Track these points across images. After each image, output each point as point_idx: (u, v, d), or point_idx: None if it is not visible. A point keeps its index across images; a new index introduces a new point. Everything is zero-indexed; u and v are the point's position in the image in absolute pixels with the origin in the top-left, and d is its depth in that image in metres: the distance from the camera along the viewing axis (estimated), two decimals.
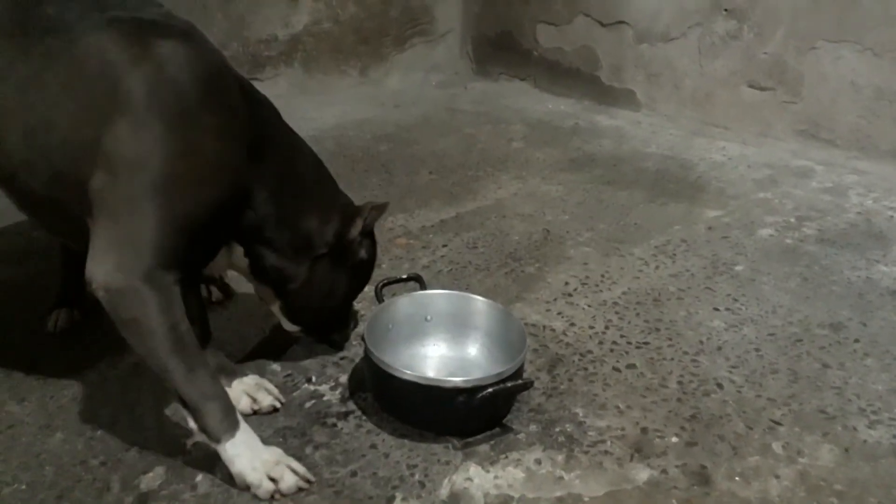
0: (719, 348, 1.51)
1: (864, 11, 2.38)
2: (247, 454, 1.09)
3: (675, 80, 2.93)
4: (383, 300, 1.46)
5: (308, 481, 1.12)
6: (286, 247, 1.26)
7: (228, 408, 1.10)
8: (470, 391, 1.19)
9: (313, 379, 1.39)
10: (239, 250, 1.26)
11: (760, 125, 2.72)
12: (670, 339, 1.54)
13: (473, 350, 1.44)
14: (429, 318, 1.45)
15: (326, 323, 1.43)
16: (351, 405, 1.32)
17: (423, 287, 1.53)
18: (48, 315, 1.54)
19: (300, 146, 1.31)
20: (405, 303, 1.45)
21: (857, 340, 1.53)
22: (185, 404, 1.08)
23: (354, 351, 1.47)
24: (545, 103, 3.20)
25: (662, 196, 2.25)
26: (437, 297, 1.47)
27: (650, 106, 3.03)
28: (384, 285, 1.51)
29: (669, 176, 2.41)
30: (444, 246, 1.95)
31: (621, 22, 3.02)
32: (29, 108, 1.08)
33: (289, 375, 1.40)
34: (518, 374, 1.26)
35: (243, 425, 1.10)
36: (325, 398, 1.34)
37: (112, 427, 1.26)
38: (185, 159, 1.08)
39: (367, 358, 1.28)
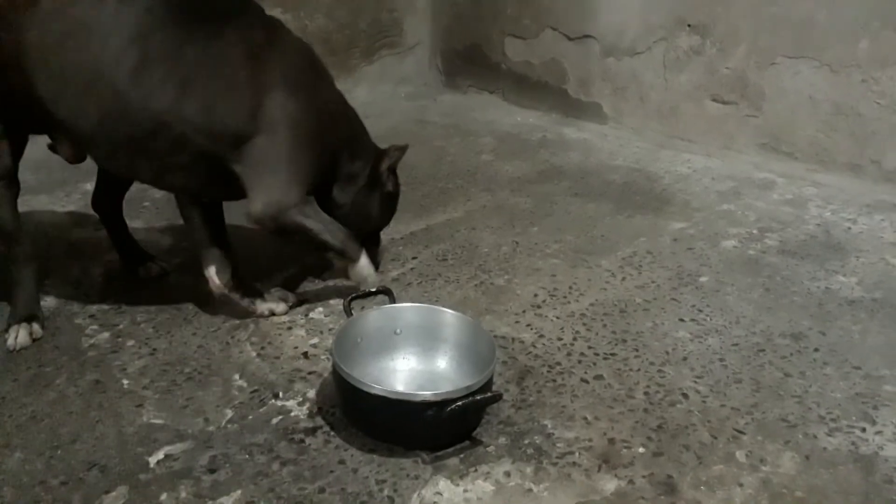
0: (685, 359, 1.53)
1: (821, 29, 2.45)
2: (370, 265, 1.63)
3: (641, 94, 2.98)
4: (352, 314, 1.45)
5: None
6: (342, 179, 1.66)
7: (357, 244, 1.60)
8: (439, 405, 1.19)
9: (280, 394, 1.37)
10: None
11: (724, 138, 2.78)
12: (637, 350, 1.56)
13: (443, 363, 1.44)
14: (398, 331, 1.45)
15: (370, 238, 1.79)
16: (319, 420, 1.31)
17: (393, 300, 1.53)
18: (6, 332, 1.51)
19: (344, 99, 1.69)
20: (374, 316, 1.45)
21: (816, 349, 1.57)
22: (336, 252, 1.56)
23: (323, 365, 1.46)
24: (514, 116, 3.22)
25: (629, 208, 2.28)
26: (406, 310, 1.47)
27: (617, 119, 3.08)
28: (353, 299, 1.51)
29: (636, 188, 2.45)
30: (414, 258, 1.95)
31: (588, 36, 3.07)
32: (199, 82, 1.38)
33: (255, 391, 1.39)
34: (487, 386, 1.27)
35: (363, 252, 1.61)
36: (292, 414, 1.32)
37: (73, 446, 1.23)
38: (319, 118, 1.52)
39: (336, 372, 1.27)
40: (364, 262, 1.61)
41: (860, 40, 2.38)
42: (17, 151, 1.50)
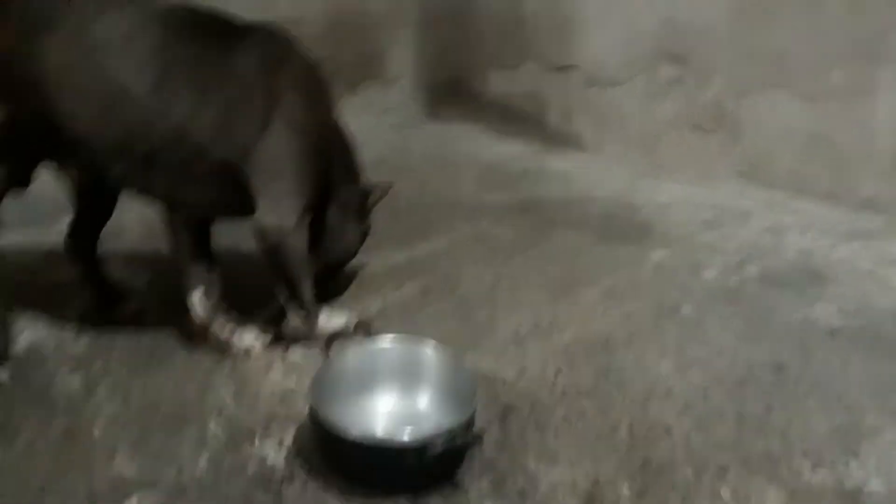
0: (668, 393, 1.52)
1: (796, 60, 2.49)
2: (330, 321, 1.61)
3: (622, 124, 3.01)
4: (330, 353, 1.43)
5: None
6: (337, 205, 1.71)
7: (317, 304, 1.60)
8: (419, 449, 1.17)
9: (257, 441, 1.34)
10: None
11: (704, 167, 2.80)
12: (620, 385, 1.54)
13: (424, 402, 1.42)
14: (378, 369, 1.43)
15: (334, 271, 1.84)
16: (296, 466, 1.28)
17: (372, 335, 1.51)
18: None
19: (348, 132, 1.76)
20: (353, 354, 1.43)
21: (798, 381, 1.56)
22: (298, 302, 1.56)
23: (300, 409, 1.43)
24: (496, 146, 3.23)
25: (610, 239, 2.28)
26: (385, 347, 1.46)
27: (598, 149, 3.09)
28: (331, 339, 1.49)
29: (617, 218, 2.45)
30: (395, 290, 1.93)
31: (569, 67, 3.10)
32: (216, 93, 1.44)
33: (231, 437, 1.35)
34: (469, 427, 1.25)
35: (322, 311, 1.61)
36: (269, 461, 1.29)
37: (41, 497, 1.19)
38: (321, 132, 1.58)
39: (313, 416, 1.24)
40: (323, 318, 1.61)
41: (833, 71, 2.42)
42: (8, 187, 1.49)
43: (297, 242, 1.52)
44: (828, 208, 2.46)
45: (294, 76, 1.55)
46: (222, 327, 1.61)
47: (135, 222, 2.31)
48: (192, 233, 1.63)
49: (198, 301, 1.61)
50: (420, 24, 3.67)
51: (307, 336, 1.61)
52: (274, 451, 1.32)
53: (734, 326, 1.78)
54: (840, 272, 2.06)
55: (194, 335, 1.63)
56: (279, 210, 1.49)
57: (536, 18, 3.16)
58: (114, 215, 1.75)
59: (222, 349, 1.61)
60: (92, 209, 1.70)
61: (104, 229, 1.76)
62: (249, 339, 1.62)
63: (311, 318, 1.59)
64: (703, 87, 2.74)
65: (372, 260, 2.08)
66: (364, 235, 1.84)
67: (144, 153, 1.43)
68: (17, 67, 1.38)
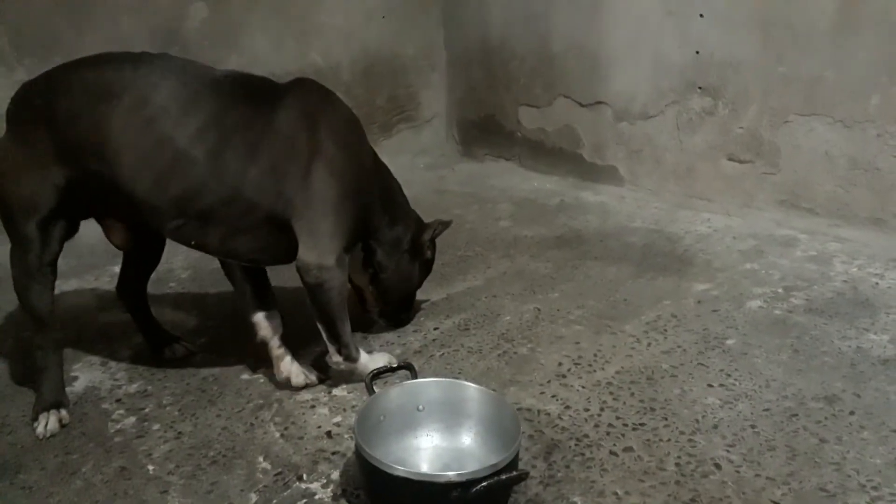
0: (715, 426, 1.49)
1: (830, 87, 2.48)
2: (370, 362, 1.65)
3: (656, 156, 3.01)
4: (374, 391, 1.45)
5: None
6: (387, 244, 1.81)
7: (356, 347, 1.67)
8: (464, 485, 1.17)
9: (304, 477, 1.36)
10: (359, 246, 1.77)
11: (742, 196, 2.78)
12: (666, 419, 1.52)
13: (468, 439, 1.42)
14: (421, 407, 1.44)
15: (401, 304, 1.94)
16: (343, 503, 1.29)
17: (415, 375, 1.52)
18: (34, 420, 1.52)
19: (390, 174, 1.85)
20: (397, 393, 1.44)
21: (852, 413, 1.52)
22: (337, 342, 1.62)
23: (346, 445, 1.45)
24: (530, 182, 3.26)
25: (650, 270, 2.27)
26: (428, 385, 1.46)
27: (633, 181, 3.10)
28: (375, 375, 1.51)
29: (656, 250, 2.44)
30: (436, 328, 1.95)
31: (600, 102, 3.13)
32: (265, 149, 1.52)
33: (279, 473, 1.37)
34: (513, 464, 1.24)
35: (362, 351, 1.68)
36: (316, 496, 1.31)
37: None
38: (359, 175, 1.66)
39: (358, 453, 1.26)
40: (364, 359, 1.66)
41: (871, 96, 2.40)
42: (65, 239, 1.56)
43: (336, 280, 1.57)
44: (873, 234, 2.42)
45: (330, 126, 1.61)
46: (278, 348, 1.68)
47: (182, 267, 2.40)
48: (249, 273, 1.71)
49: (260, 321, 1.69)
50: (451, 66, 3.75)
51: (347, 372, 1.64)
52: (321, 487, 1.33)
53: (782, 358, 1.75)
54: (890, 300, 2.01)
55: (256, 351, 1.73)
56: (319, 249, 1.55)
57: (565, 56, 3.21)
58: (162, 260, 1.82)
59: (271, 378, 1.69)
60: (138, 258, 1.78)
61: (153, 273, 1.83)
62: (296, 371, 1.67)
63: (349, 354, 1.63)
64: (737, 117, 2.74)
65: None
66: (423, 269, 1.95)
67: (199, 211, 1.50)
68: (81, 133, 1.45)
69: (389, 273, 1.84)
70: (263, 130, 1.53)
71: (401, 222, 1.83)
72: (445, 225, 1.93)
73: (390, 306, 1.92)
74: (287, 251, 1.58)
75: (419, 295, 2.02)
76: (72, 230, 1.58)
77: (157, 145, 1.46)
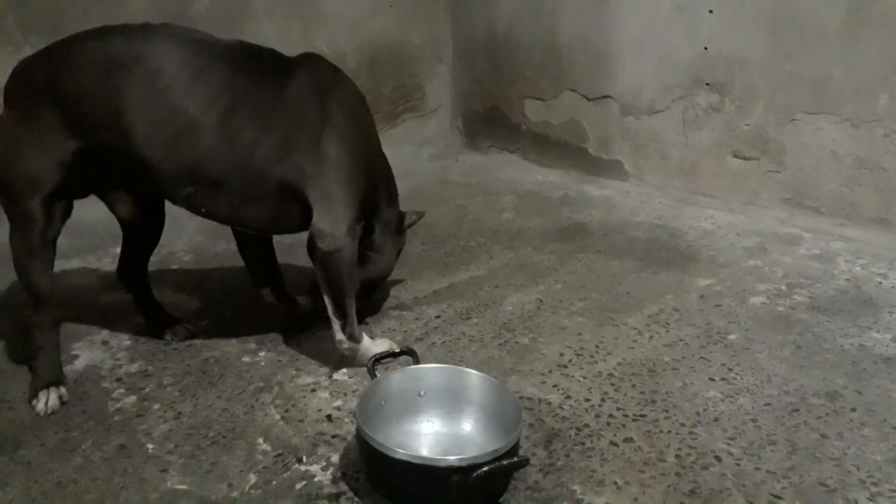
0: (716, 419, 1.49)
1: (839, 85, 2.47)
2: (372, 346, 1.65)
3: (662, 151, 3.00)
4: (376, 375, 1.45)
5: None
6: (383, 224, 1.80)
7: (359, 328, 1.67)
8: (465, 470, 1.17)
9: (304, 459, 1.36)
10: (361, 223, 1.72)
11: (747, 194, 2.77)
12: (667, 411, 1.52)
13: (468, 426, 1.42)
14: (422, 393, 1.44)
15: (373, 287, 1.92)
16: (343, 486, 1.29)
17: (417, 361, 1.52)
18: (34, 397, 1.52)
19: (386, 158, 1.84)
20: (398, 378, 1.44)
21: (853, 409, 1.52)
22: (343, 317, 1.62)
23: (346, 429, 1.45)
24: (534, 174, 3.25)
25: (654, 265, 2.27)
26: (430, 371, 1.46)
27: (638, 176, 3.09)
28: (377, 360, 1.50)
29: (660, 245, 2.44)
30: (437, 317, 1.94)
31: (606, 96, 3.11)
32: (276, 120, 1.54)
33: (279, 455, 1.37)
34: (514, 450, 1.24)
35: (365, 336, 1.68)
36: (315, 479, 1.31)
37: None
38: (368, 150, 1.68)
39: (359, 436, 1.25)
40: (367, 342, 1.66)
41: (879, 96, 2.39)
42: (65, 217, 1.56)
43: (348, 249, 1.59)
44: (877, 234, 2.41)
45: (342, 99, 1.64)
46: (288, 306, 1.89)
47: (184, 250, 2.39)
48: (258, 245, 1.81)
49: (266, 295, 1.86)
50: (457, 57, 3.74)
51: (349, 351, 1.64)
52: (321, 470, 1.33)
53: (784, 354, 1.74)
54: (893, 299, 2.00)
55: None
56: (332, 217, 1.57)
57: (572, 49, 3.20)
58: (165, 243, 1.81)
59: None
60: (138, 238, 1.78)
61: (156, 256, 1.82)
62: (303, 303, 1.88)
63: (353, 333, 1.63)
64: (743, 115, 2.73)
65: (414, 287, 2.10)
66: (398, 255, 1.94)
67: (210, 179, 1.52)
68: (91, 105, 1.46)
69: (380, 253, 1.84)
70: (274, 101, 1.55)
71: (395, 205, 1.85)
72: (419, 215, 1.94)
73: (365, 290, 1.88)
74: (296, 221, 1.61)
75: (415, 289, 2.02)
76: (70, 209, 1.57)
77: (169, 114, 1.46)
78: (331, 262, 1.57)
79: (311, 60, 1.66)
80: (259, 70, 1.57)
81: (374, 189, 1.73)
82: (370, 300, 1.95)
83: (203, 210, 1.58)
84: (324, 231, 1.56)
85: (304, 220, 1.60)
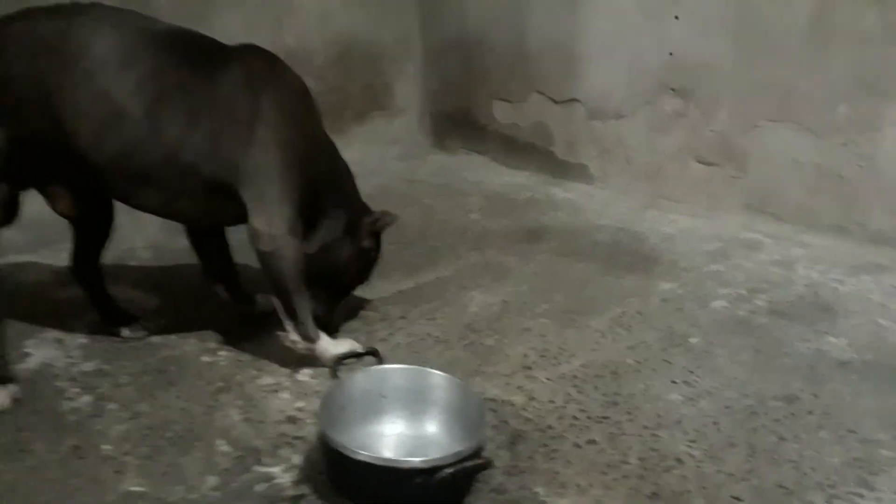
0: (678, 422, 1.51)
1: (802, 95, 2.52)
2: (332, 346, 1.61)
3: (627, 155, 3.03)
4: (339, 376, 1.43)
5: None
6: (324, 221, 1.71)
7: (313, 322, 1.60)
8: (428, 472, 1.16)
9: (264, 462, 1.33)
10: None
11: (709, 199, 2.81)
12: (629, 413, 1.53)
13: (432, 427, 1.41)
14: (385, 394, 1.42)
15: (327, 291, 1.78)
16: (304, 488, 1.27)
17: (381, 361, 1.51)
18: None
19: (338, 154, 1.79)
20: (361, 379, 1.42)
21: (810, 412, 1.55)
22: (293, 318, 1.57)
23: (309, 430, 1.43)
24: (502, 176, 3.26)
25: (617, 268, 2.29)
26: (394, 372, 1.45)
27: (603, 179, 3.12)
28: (340, 361, 1.49)
29: (623, 248, 2.46)
30: (402, 318, 1.93)
31: (574, 100, 3.14)
32: (205, 114, 1.49)
33: (239, 457, 1.35)
34: (477, 452, 1.24)
35: (322, 334, 1.61)
36: (277, 480, 1.28)
37: None
38: (305, 146, 1.60)
39: (322, 438, 1.24)
40: (326, 343, 1.61)
41: (838, 105, 2.45)
42: (8, 211, 1.50)
43: (289, 248, 1.54)
44: (836, 242, 2.47)
45: (275, 93, 1.58)
46: (240, 303, 1.86)
47: (143, 246, 2.33)
48: (209, 238, 1.77)
49: (220, 291, 1.84)
50: (426, 57, 3.73)
51: (306, 350, 1.61)
52: (282, 472, 1.31)
53: (744, 357, 1.77)
54: (850, 305, 2.05)
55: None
56: (268, 215, 1.52)
57: (541, 52, 3.21)
58: (123, 239, 1.77)
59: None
60: (88, 232, 1.73)
61: (114, 252, 1.77)
62: (263, 305, 1.81)
63: (306, 332, 1.58)
64: (707, 121, 2.77)
65: (379, 287, 2.08)
66: (365, 259, 1.81)
67: (138, 171, 1.47)
68: (18, 90, 1.41)
69: (329, 255, 1.73)
70: (205, 93, 1.50)
71: (343, 205, 1.75)
72: (390, 218, 1.78)
73: (330, 298, 1.79)
74: (231, 216, 1.57)
75: (381, 289, 1.99)
76: (13, 202, 1.52)
77: (95, 100, 1.42)
78: (272, 262, 1.53)
79: (248, 51, 1.61)
80: (192, 59, 1.52)
81: (317, 186, 1.66)
82: (339, 310, 1.84)
83: (134, 202, 1.54)
84: (261, 231, 1.52)
85: (239, 214, 1.55)
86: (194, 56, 1.52)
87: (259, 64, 1.60)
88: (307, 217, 1.66)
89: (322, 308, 1.74)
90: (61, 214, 1.62)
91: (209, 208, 1.56)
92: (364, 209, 1.81)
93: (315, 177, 1.65)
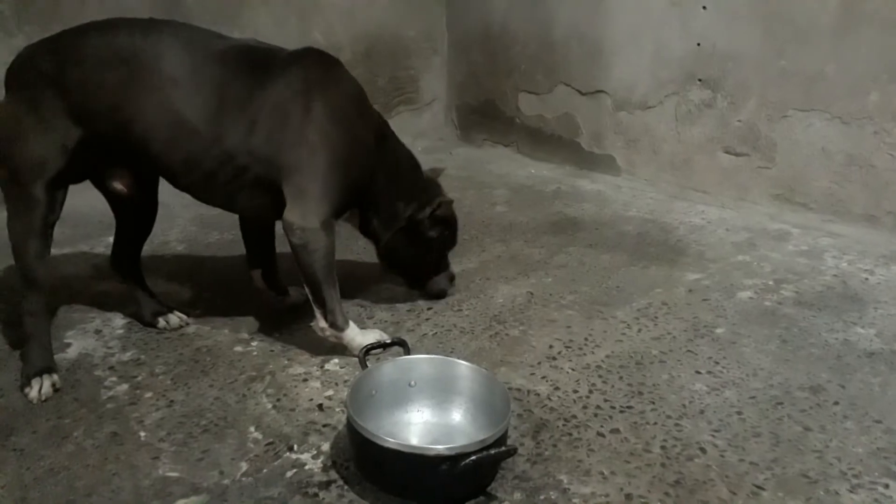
0: (702, 412, 1.51)
1: (830, 83, 2.49)
2: (359, 335, 1.66)
3: (654, 146, 3.02)
4: (367, 365, 1.46)
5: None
6: (383, 216, 1.82)
7: (343, 311, 1.67)
8: (453, 459, 1.18)
9: (295, 447, 1.37)
10: (356, 212, 1.82)
11: (737, 189, 2.79)
12: (653, 403, 1.54)
13: (458, 416, 1.43)
14: (413, 383, 1.45)
15: (412, 275, 1.97)
16: (333, 474, 1.31)
17: (408, 351, 1.54)
18: (27, 384, 1.53)
19: (401, 146, 1.86)
20: (389, 368, 1.45)
21: (836, 403, 1.55)
22: (322, 307, 1.63)
23: (337, 418, 1.47)
24: (527, 168, 3.27)
25: (643, 259, 2.29)
26: (421, 361, 1.48)
27: (630, 171, 3.11)
28: (368, 350, 1.52)
29: (650, 239, 2.46)
30: (429, 309, 1.96)
31: (600, 91, 3.13)
32: (263, 121, 1.57)
33: (270, 444, 1.39)
34: (502, 440, 1.26)
35: (351, 323, 1.68)
36: (306, 467, 1.32)
37: (89, 499, 1.23)
38: (353, 147, 1.67)
39: (350, 425, 1.27)
40: (353, 332, 1.66)
41: (870, 93, 2.41)
42: (64, 202, 1.58)
43: (320, 242, 1.60)
44: (866, 231, 2.44)
45: (328, 96, 1.64)
46: (275, 296, 1.94)
47: (178, 240, 2.40)
48: (257, 230, 1.88)
49: (256, 277, 1.92)
50: (452, 50, 3.75)
51: (334, 339, 1.67)
52: (312, 458, 1.34)
53: (770, 348, 1.77)
54: (879, 296, 2.03)
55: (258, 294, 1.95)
56: (304, 210, 1.59)
57: (567, 43, 3.21)
58: (158, 233, 1.82)
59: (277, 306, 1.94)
60: (131, 227, 1.80)
61: (149, 245, 1.84)
62: (294, 300, 1.93)
63: (334, 321, 1.64)
64: (735, 111, 2.75)
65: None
66: (435, 245, 1.92)
67: (203, 172, 1.57)
68: (95, 97, 1.50)
69: (384, 245, 1.87)
70: (263, 101, 1.58)
71: (405, 199, 1.83)
72: (445, 206, 1.87)
73: (398, 273, 1.97)
74: (281, 211, 1.63)
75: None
76: (66, 195, 1.59)
77: (163, 113, 1.51)
78: (303, 254, 1.59)
79: (306, 56, 1.68)
80: (254, 71, 1.59)
81: (367, 185, 1.74)
82: (420, 285, 1.98)
83: (200, 198, 1.65)
84: (293, 224, 1.58)
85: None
86: (256, 67, 1.60)
87: (315, 69, 1.67)
88: (365, 212, 1.81)
89: (415, 285, 1.99)
90: (116, 192, 1.69)
91: (267, 204, 1.64)
92: (430, 200, 1.85)
93: (369, 176, 1.73)
